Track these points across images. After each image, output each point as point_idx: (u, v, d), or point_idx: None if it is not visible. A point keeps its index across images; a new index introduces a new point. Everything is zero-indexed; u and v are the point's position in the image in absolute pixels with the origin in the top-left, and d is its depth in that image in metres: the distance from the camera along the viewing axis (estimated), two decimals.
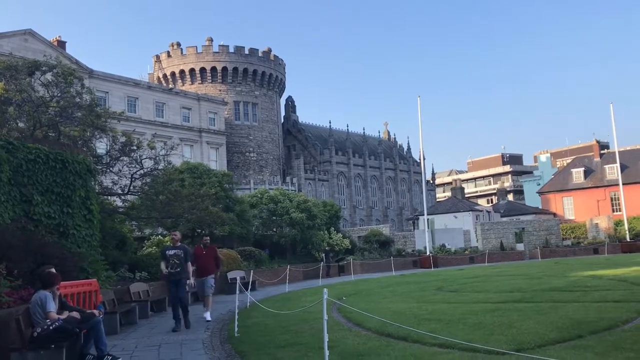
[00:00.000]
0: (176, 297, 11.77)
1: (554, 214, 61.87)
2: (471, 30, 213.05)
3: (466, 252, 43.37)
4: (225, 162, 62.75)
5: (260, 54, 70.45)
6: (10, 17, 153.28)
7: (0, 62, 17.79)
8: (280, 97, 76.90)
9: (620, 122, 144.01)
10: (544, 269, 25.47)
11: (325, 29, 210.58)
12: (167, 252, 12.02)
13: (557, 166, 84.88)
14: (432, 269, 35.48)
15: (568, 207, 64.26)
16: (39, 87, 18.16)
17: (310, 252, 35.49)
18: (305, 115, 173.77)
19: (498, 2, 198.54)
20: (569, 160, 79.26)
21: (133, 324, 13.07)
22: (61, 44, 51.34)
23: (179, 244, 12.17)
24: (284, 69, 75.96)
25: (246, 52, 69.21)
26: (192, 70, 67.70)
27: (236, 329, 10.69)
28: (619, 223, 47.51)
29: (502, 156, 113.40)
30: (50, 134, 17.48)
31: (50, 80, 18.05)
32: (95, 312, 8.71)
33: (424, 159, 48.75)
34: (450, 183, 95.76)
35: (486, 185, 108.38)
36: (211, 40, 68.22)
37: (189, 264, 12.07)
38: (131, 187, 20.08)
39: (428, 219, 43.73)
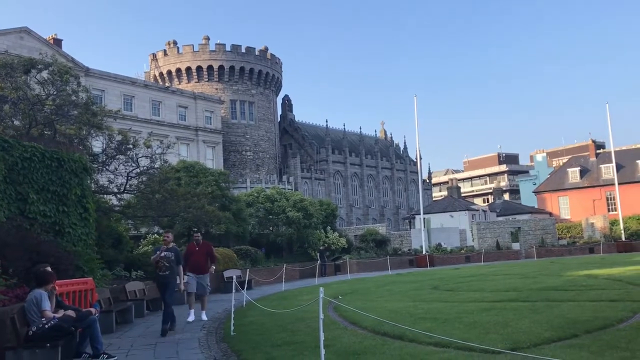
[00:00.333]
0: (164, 300, 11.40)
1: (550, 214, 62.04)
2: (468, 29, 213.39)
3: (462, 251, 43.47)
4: (222, 160, 62.70)
5: (257, 53, 70.38)
6: (6, 14, 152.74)
7: None
8: (277, 95, 76.85)
9: (616, 122, 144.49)
10: (540, 268, 25.54)
11: (322, 28, 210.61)
12: (157, 252, 11.65)
13: (553, 166, 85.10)
14: (428, 268, 35.54)
15: (564, 207, 64.44)
16: (35, 85, 18.10)
17: (307, 251, 35.48)
18: (302, 114, 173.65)
19: (496, 2, 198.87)
20: (565, 159, 79.50)
21: (129, 323, 13.06)
22: (57, 42, 51.18)
23: (171, 245, 11.81)
24: (281, 67, 75.91)
25: (243, 50, 69.13)
26: (188, 69, 67.59)
27: (232, 327, 10.68)
28: (614, 222, 47.65)
29: (499, 155, 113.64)
30: (46, 132, 17.43)
31: (46, 78, 17.99)
32: (91, 310, 8.70)
33: (420, 158, 48.82)
34: (447, 182, 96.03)
35: (482, 185, 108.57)
36: (208, 38, 68.14)
37: (180, 267, 11.80)
38: (127, 186, 20.03)
39: (424, 218, 43.80)
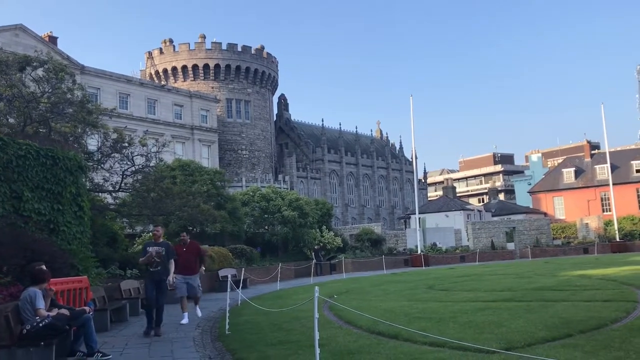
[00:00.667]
0: (152, 298, 10.77)
1: (545, 214, 62.19)
2: (465, 30, 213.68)
3: (457, 251, 43.53)
4: (217, 159, 62.60)
5: (253, 52, 70.28)
6: (1, 12, 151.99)
7: None
8: (273, 94, 76.78)
9: (611, 123, 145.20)
10: (534, 268, 25.61)
11: (319, 27, 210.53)
12: (147, 248, 11.12)
13: (548, 166, 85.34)
14: (424, 267, 35.60)
15: (559, 207, 64.59)
16: (30, 83, 18.03)
17: (302, 250, 35.49)
18: (298, 113, 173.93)
19: (492, 2, 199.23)
20: (560, 160, 79.66)
21: (123, 322, 13.03)
22: (52, 40, 50.95)
23: (161, 240, 11.27)
24: (277, 66, 75.83)
25: (239, 49, 69.02)
26: (184, 67, 67.44)
27: (227, 326, 10.67)
28: (608, 223, 47.80)
29: (494, 156, 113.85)
30: (41, 130, 17.37)
31: (41, 76, 17.92)
32: (86, 309, 8.67)
33: (416, 157, 48.85)
34: (442, 182, 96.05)
35: (477, 185, 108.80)
36: (204, 37, 68.01)
37: (172, 262, 11.22)
38: (122, 184, 19.99)
39: (419, 218, 43.84)
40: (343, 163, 79.03)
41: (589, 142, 69.22)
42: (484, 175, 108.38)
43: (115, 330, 11.61)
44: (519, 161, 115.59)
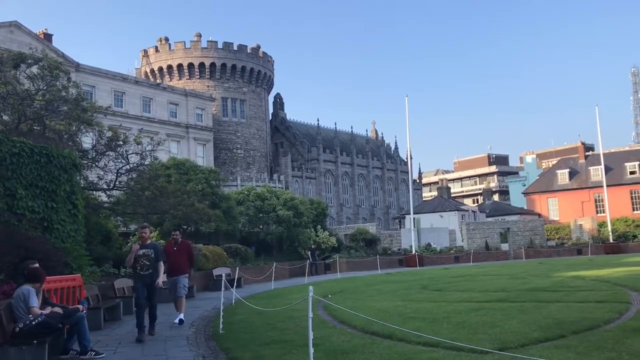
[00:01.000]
0: (143, 302, 10.27)
1: (539, 215, 62.33)
2: (461, 30, 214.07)
3: (451, 251, 43.63)
4: (212, 158, 62.52)
5: (248, 51, 70.21)
6: None
7: None
8: (269, 94, 76.72)
9: (605, 125, 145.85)
10: (528, 269, 25.69)
11: (315, 27, 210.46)
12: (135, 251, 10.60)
13: (543, 167, 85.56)
14: (418, 267, 35.66)
15: (553, 208, 64.77)
16: (25, 80, 17.95)
17: (297, 249, 35.47)
18: (294, 113, 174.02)
19: (489, 3, 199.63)
20: (554, 161, 79.92)
21: (117, 320, 12.98)
22: (47, 37, 50.76)
23: (149, 241, 10.73)
24: (273, 65, 75.78)
25: (235, 48, 68.95)
26: (180, 66, 67.31)
27: (221, 325, 10.65)
28: (602, 224, 47.99)
29: (488, 156, 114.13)
30: (35, 128, 17.30)
31: (36, 73, 17.85)
32: (79, 307, 8.64)
33: (411, 158, 48.98)
34: (437, 182, 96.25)
35: (472, 185, 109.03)
36: (200, 35, 67.90)
37: (161, 263, 10.76)
38: (117, 183, 19.93)
39: (414, 218, 43.92)
40: (338, 163, 79.05)
41: (583, 143, 69.43)
42: (479, 176, 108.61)
43: (109, 329, 11.58)
44: (513, 162, 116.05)
